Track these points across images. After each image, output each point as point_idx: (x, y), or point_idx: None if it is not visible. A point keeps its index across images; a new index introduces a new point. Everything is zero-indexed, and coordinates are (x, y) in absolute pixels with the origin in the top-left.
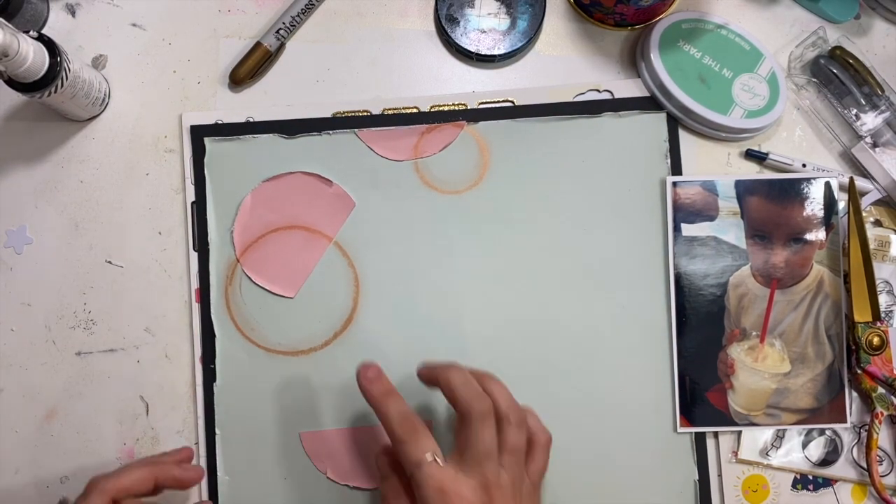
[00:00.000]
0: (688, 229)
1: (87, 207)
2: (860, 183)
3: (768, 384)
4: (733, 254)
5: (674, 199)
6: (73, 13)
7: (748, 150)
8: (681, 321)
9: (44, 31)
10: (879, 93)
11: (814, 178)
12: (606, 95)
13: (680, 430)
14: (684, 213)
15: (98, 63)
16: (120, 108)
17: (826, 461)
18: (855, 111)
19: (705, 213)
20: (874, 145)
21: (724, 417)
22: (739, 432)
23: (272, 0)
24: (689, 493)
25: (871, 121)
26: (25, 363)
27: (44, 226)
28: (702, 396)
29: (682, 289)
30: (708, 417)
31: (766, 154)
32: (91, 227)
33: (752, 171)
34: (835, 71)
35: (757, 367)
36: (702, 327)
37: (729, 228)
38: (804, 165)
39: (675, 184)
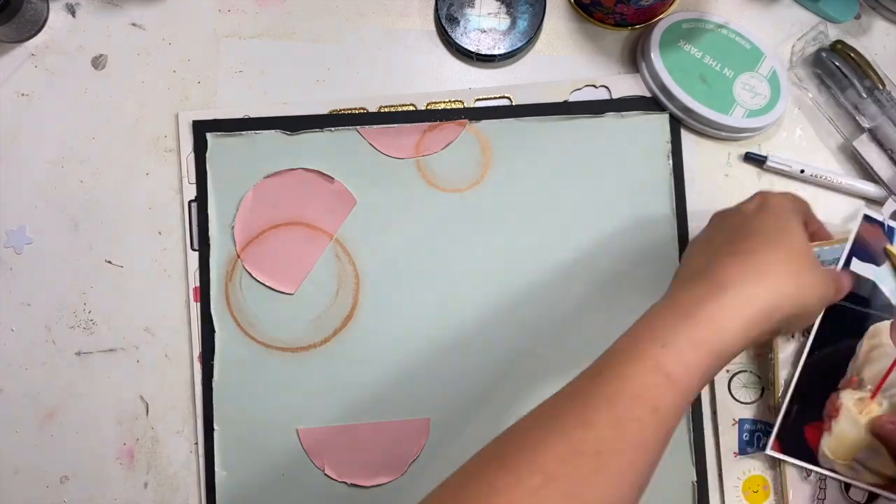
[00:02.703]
0: (857, 266)
1: (87, 207)
2: None
3: (863, 439)
4: (884, 305)
5: (859, 232)
6: (73, 13)
7: (747, 152)
8: (813, 347)
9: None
10: (881, 87)
11: None
12: (603, 91)
13: (769, 451)
14: (859, 248)
15: (98, 63)
16: (120, 108)
17: None
18: (856, 104)
19: (875, 256)
20: (874, 139)
21: (812, 455)
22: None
23: (272, 0)
24: (688, 493)
25: (872, 114)
26: (25, 363)
27: (44, 226)
28: (800, 428)
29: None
30: (797, 449)
31: (766, 157)
32: (91, 227)
33: (751, 173)
34: (837, 64)
35: (860, 420)
36: (825, 363)
37: (889, 279)
38: (802, 171)
39: (866, 217)
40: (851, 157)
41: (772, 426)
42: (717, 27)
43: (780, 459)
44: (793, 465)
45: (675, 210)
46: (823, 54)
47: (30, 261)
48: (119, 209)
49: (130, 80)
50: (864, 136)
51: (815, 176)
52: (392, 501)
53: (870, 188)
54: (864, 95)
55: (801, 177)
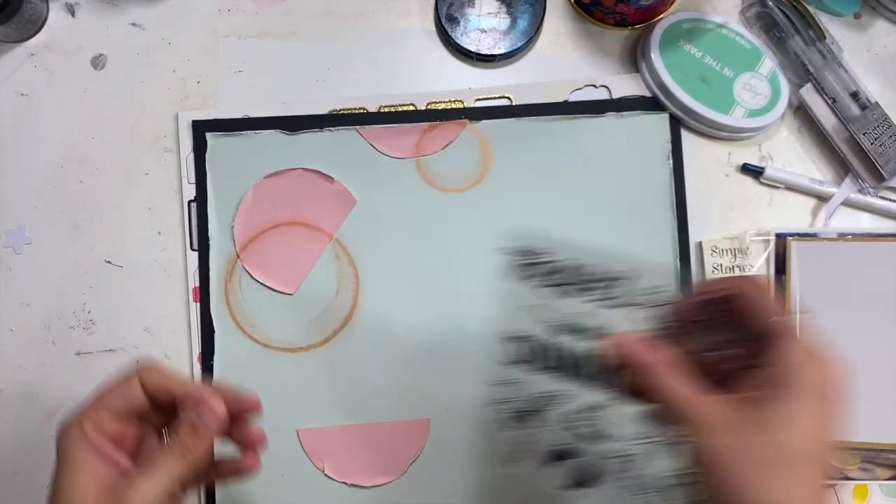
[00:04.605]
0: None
1: (86, 207)
2: None
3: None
4: None
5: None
6: (72, 13)
7: (744, 164)
8: None
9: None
10: (822, 40)
11: None
12: (603, 91)
13: None
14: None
15: (98, 63)
16: (119, 108)
17: None
18: (802, 52)
19: None
20: (819, 89)
21: None
22: None
23: (272, 0)
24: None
25: (817, 64)
26: (25, 363)
27: (43, 226)
28: None
29: None
30: None
31: (763, 168)
32: (91, 227)
33: (751, 173)
34: (784, 10)
35: None
36: None
37: None
38: (800, 183)
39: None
40: (843, 166)
41: None
42: (718, 27)
43: None
44: None
45: (675, 210)
46: (771, 2)
47: (29, 261)
48: (119, 209)
49: (130, 79)
50: (809, 86)
51: (812, 187)
52: (392, 502)
53: (869, 199)
54: (808, 45)
55: (799, 187)
